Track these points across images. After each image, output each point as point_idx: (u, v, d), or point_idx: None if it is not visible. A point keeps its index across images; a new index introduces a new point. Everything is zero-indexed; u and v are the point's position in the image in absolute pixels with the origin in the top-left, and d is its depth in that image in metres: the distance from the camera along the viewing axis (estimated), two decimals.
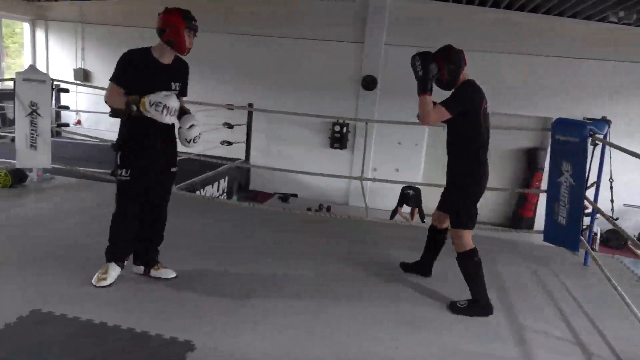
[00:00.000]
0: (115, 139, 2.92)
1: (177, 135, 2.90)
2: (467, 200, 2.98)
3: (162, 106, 2.64)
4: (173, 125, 2.87)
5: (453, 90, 2.96)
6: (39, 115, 4.75)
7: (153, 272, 3.04)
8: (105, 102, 2.79)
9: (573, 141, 3.51)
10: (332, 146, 9.68)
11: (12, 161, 5.03)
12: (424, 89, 2.88)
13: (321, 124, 9.61)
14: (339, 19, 9.38)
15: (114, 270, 2.93)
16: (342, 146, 9.64)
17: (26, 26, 10.88)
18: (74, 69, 10.79)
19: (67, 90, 9.88)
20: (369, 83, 9.36)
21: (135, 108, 2.65)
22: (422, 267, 3.42)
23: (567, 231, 3.62)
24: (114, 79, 2.74)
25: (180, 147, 2.97)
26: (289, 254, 3.74)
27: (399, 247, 3.96)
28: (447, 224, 3.17)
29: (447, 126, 3.07)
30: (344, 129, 9.61)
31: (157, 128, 2.78)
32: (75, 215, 4.24)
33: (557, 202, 3.66)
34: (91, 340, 2.35)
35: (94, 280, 2.87)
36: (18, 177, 4.91)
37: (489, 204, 9.62)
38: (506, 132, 8.94)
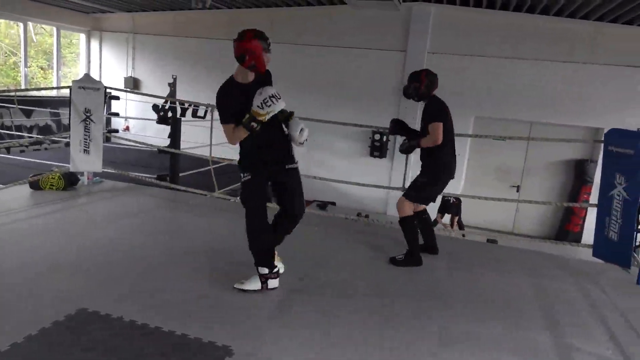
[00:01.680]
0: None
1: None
2: (422, 181, 3.73)
3: (268, 99, 2.79)
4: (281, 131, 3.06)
5: (426, 104, 3.74)
6: (92, 121, 4.99)
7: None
8: (232, 142, 2.93)
9: (628, 153, 3.35)
10: (371, 155, 9.64)
11: (66, 165, 5.30)
12: (417, 138, 3.77)
13: (361, 133, 9.59)
14: (382, 28, 9.37)
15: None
16: (382, 155, 9.58)
17: (82, 37, 11.47)
18: (125, 77, 11.27)
19: (117, 98, 10.32)
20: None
21: (255, 125, 2.79)
22: (428, 247, 3.95)
23: (618, 247, 3.45)
24: (224, 121, 2.88)
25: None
26: (330, 260, 3.74)
27: (440, 259, 3.89)
28: (420, 207, 3.86)
29: (422, 128, 3.72)
30: (384, 138, 9.54)
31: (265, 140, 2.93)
32: (124, 218, 4.41)
33: (609, 217, 3.50)
34: (131, 342, 2.42)
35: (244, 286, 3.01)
36: (70, 180, 5.16)
37: (534, 217, 9.30)
38: (553, 143, 8.66)
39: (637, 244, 4.10)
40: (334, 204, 9.56)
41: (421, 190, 3.75)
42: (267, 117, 2.80)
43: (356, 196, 9.47)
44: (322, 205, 9.41)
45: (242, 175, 2.99)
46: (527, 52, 8.40)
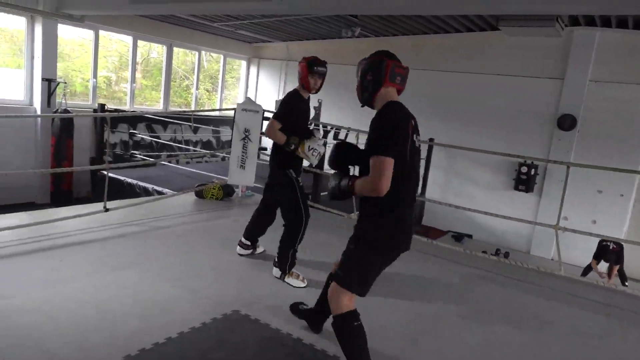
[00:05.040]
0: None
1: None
2: (355, 256, 2.28)
3: (317, 153, 3.39)
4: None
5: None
6: (250, 140, 5.51)
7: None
8: (269, 135, 3.46)
9: None
10: (516, 188, 9.01)
11: (224, 177, 5.92)
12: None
13: (505, 164, 9.04)
14: (537, 54, 8.81)
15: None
16: (528, 189, 8.88)
17: (243, 63, 12.80)
18: (276, 100, 12.25)
19: (268, 119, 11.26)
20: (567, 122, 8.51)
21: (292, 147, 3.36)
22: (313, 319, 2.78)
23: None
24: (279, 118, 3.43)
25: None
26: (458, 298, 3.59)
27: (589, 309, 3.47)
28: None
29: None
30: (532, 171, 8.86)
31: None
32: (270, 229, 4.76)
33: None
34: (275, 348, 2.60)
35: (292, 281, 3.43)
36: (227, 191, 5.75)
37: None
38: None
39: None
40: (470, 236, 9.12)
41: (360, 265, 2.28)
42: (301, 155, 3.40)
43: (496, 230, 8.92)
44: (458, 237, 9.05)
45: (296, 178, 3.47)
46: None
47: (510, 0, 4.46)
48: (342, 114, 11.22)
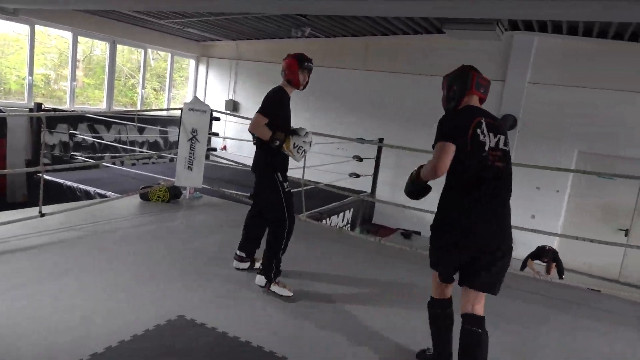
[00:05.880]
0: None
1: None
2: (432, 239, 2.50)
3: (302, 150, 3.28)
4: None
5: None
6: (197, 140, 5.39)
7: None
8: (252, 130, 3.32)
9: None
10: None
11: (171, 179, 5.76)
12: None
13: None
14: (480, 57, 9.14)
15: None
16: None
17: (192, 62, 12.51)
18: (226, 100, 12.07)
19: (218, 119, 11.04)
20: (509, 123, 8.90)
21: (277, 143, 3.23)
22: None
23: None
24: (265, 113, 3.26)
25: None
26: (408, 296, 3.67)
27: (532, 301, 3.65)
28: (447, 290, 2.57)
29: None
30: None
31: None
32: (217, 232, 4.69)
33: None
34: (223, 352, 2.55)
35: (277, 289, 3.28)
36: (174, 193, 5.60)
37: None
38: None
39: None
40: (418, 233, 9.35)
41: (435, 249, 2.50)
42: (286, 152, 3.33)
43: None
44: (406, 234, 9.26)
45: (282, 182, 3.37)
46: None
47: (451, 5, 4.60)
48: (292, 114, 11.18)
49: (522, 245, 4.07)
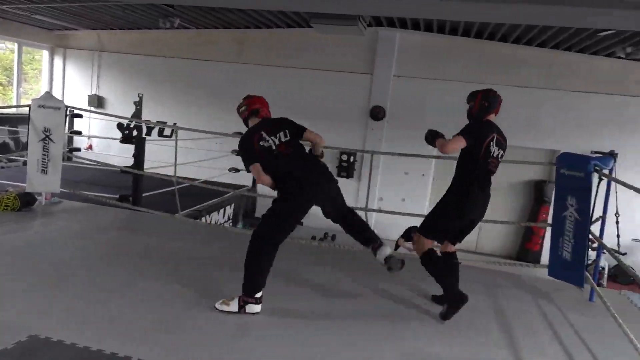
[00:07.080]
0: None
1: None
2: (438, 213, 3.35)
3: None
4: None
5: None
6: (51, 140, 4.86)
7: None
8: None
9: (578, 176, 3.50)
10: (339, 175, 9.70)
11: (22, 185, 5.13)
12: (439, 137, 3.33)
13: (329, 153, 9.63)
14: (349, 51, 9.57)
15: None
16: (349, 175, 9.67)
17: (45, 53, 11.22)
18: (89, 95, 11.05)
19: (80, 116, 10.10)
20: (378, 113, 9.47)
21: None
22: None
23: (572, 266, 3.58)
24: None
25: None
26: (290, 284, 3.73)
27: (403, 279, 3.94)
28: (450, 247, 3.51)
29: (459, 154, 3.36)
30: (351, 158, 9.66)
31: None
32: (79, 240, 4.28)
33: (562, 237, 3.63)
34: None
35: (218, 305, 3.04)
36: (27, 200, 4.98)
37: (495, 236, 9.53)
38: (513, 164, 8.96)
39: (589, 262, 4.28)
40: (301, 223, 9.54)
41: (439, 221, 3.33)
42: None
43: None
44: None
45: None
46: (486, 77, 8.70)
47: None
48: (165, 109, 10.68)
49: (396, 226, 4.39)
